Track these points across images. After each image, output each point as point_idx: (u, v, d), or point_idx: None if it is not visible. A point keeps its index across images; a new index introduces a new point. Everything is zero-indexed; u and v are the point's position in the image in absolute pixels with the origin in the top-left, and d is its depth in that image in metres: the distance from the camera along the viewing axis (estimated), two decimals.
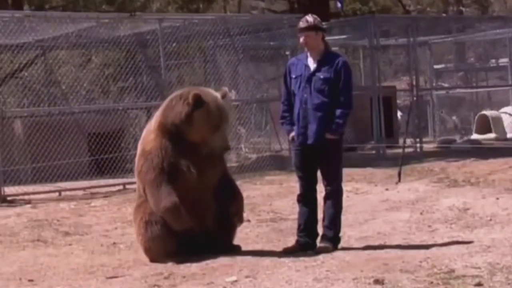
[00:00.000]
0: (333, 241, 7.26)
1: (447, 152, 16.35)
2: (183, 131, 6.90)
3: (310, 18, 7.36)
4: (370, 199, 10.54)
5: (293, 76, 7.37)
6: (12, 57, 17.08)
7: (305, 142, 7.23)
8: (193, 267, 6.61)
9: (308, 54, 7.39)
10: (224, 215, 7.09)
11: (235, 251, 7.14)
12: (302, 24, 7.33)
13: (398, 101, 20.73)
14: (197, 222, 6.93)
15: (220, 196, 7.08)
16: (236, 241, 7.34)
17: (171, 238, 6.90)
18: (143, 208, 7.08)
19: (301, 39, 7.34)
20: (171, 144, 6.91)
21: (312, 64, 7.32)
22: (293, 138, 7.37)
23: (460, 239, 7.45)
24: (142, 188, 7.07)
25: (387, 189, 11.14)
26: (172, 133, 6.93)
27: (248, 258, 6.83)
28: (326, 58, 7.32)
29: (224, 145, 7.05)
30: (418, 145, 17.36)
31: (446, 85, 24.46)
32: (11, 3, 20.94)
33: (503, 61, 22.26)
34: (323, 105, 7.21)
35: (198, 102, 6.84)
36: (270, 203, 10.41)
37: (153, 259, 7.01)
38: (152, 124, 7.14)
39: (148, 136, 7.12)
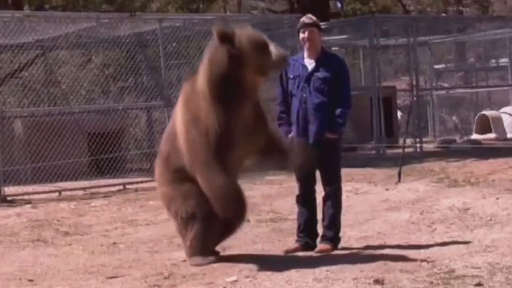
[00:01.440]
0: (333, 241, 7.26)
1: (447, 152, 16.35)
2: (238, 77, 6.39)
3: (313, 16, 7.42)
4: (370, 199, 10.53)
5: (291, 77, 7.36)
6: (12, 57, 17.08)
7: (305, 141, 7.22)
8: (193, 267, 6.61)
9: (305, 55, 7.40)
10: None
11: None
12: (307, 20, 7.35)
13: (398, 101, 20.73)
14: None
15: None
16: (236, 241, 7.32)
17: (212, 233, 6.67)
18: (180, 200, 6.66)
19: (305, 34, 7.30)
20: (225, 113, 6.32)
21: (309, 64, 7.32)
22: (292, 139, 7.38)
23: (460, 239, 7.44)
24: (191, 164, 6.43)
25: (387, 189, 11.13)
26: (223, 94, 6.35)
27: (248, 258, 6.82)
28: (323, 58, 7.34)
29: (282, 54, 6.62)
30: (418, 145, 17.37)
31: (446, 85, 24.47)
32: (11, 3, 20.95)
33: (503, 61, 22.26)
34: (323, 105, 7.21)
35: (229, 36, 6.35)
36: (270, 203, 10.40)
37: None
38: (199, 86, 6.44)
39: (195, 99, 6.45)
